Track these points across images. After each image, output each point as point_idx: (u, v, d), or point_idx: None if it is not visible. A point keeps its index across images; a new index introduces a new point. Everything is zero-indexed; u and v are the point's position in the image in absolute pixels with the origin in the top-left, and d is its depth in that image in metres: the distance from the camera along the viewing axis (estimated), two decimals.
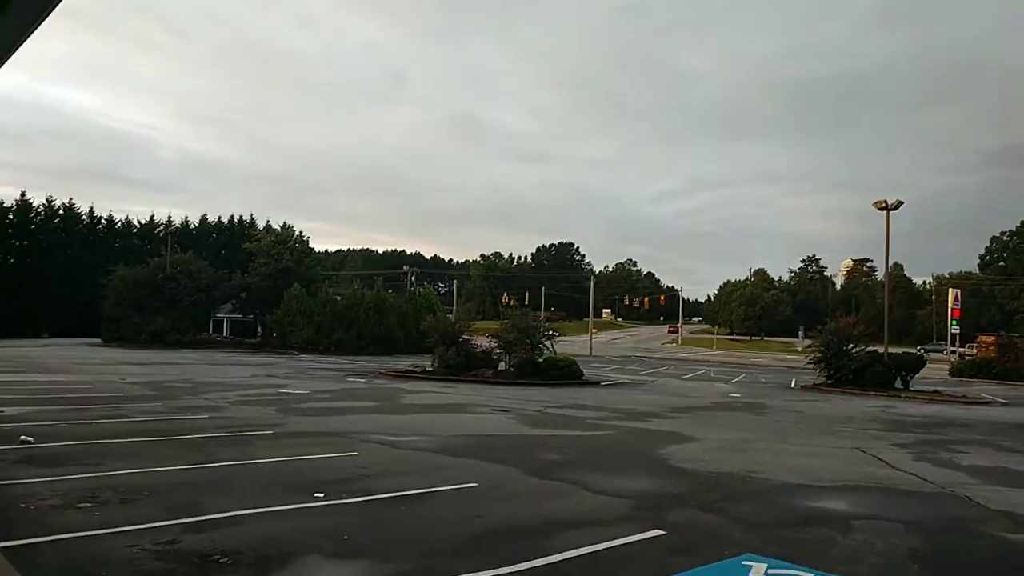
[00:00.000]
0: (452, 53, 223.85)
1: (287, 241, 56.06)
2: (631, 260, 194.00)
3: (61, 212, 70.51)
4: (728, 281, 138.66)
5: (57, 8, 5.39)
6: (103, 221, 73.82)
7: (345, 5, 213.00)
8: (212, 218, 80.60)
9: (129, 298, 51.99)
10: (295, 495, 8.28)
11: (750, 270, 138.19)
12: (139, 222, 76.24)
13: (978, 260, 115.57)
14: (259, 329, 57.81)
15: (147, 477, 8.95)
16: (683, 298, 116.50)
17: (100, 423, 13.64)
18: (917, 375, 31.06)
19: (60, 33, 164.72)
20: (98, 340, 53.48)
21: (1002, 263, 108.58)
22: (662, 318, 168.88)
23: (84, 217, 72.30)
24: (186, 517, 7.13)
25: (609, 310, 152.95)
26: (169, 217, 78.69)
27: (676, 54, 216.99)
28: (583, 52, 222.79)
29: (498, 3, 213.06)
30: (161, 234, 72.01)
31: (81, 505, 7.49)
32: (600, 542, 6.78)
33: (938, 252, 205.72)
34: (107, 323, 53.09)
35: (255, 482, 9.01)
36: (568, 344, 49.75)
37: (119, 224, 74.84)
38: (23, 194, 68.99)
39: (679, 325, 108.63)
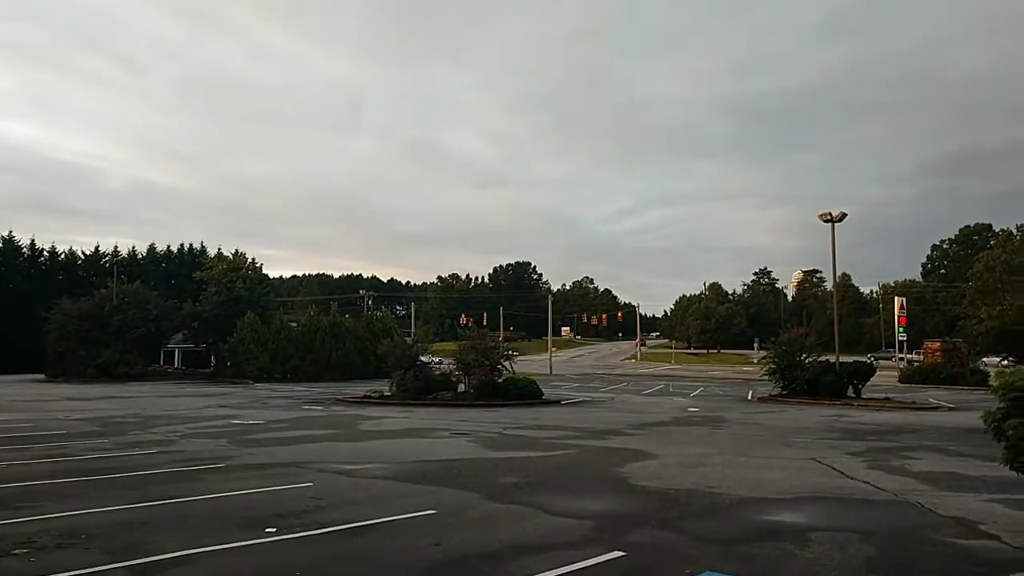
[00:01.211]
0: (409, 80, 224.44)
1: (239, 269, 54.97)
2: (588, 278, 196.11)
3: (0, 245, 68.14)
4: (684, 296, 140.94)
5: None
6: (45, 253, 71.54)
7: (300, 34, 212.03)
8: (161, 247, 78.80)
9: (74, 331, 50.31)
10: (246, 530, 8.00)
11: (704, 284, 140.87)
12: (84, 253, 74.06)
13: (920, 268, 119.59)
14: (212, 359, 56.45)
15: (89, 518, 8.56)
16: (640, 314, 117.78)
17: (40, 463, 13.06)
18: (868, 382, 31.79)
19: (5, 66, 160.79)
20: (42, 376, 51.61)
21: (943, 271, 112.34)
22: (620, 334, 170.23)
23: (25, 250, 69.98)
24: (129, 559, 6.82)
25: (568, 328, 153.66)
26: (115, 247, 76.31)
27: (631, 74, 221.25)
28: (538, 76, 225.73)
29: (453, 29, 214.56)
30: (107, 265, 69.98)
31: (16, 551, 7.11)
32: (560, 566, 6.68)
33: (883, 261, 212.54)
34: (51, 358, 51.29)
35: (204, 519, 8.69)
36: (528, 363, 49.71)
37: (62, 256, 72.58)
38: None
39: (639, 340, 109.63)
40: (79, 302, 52.15)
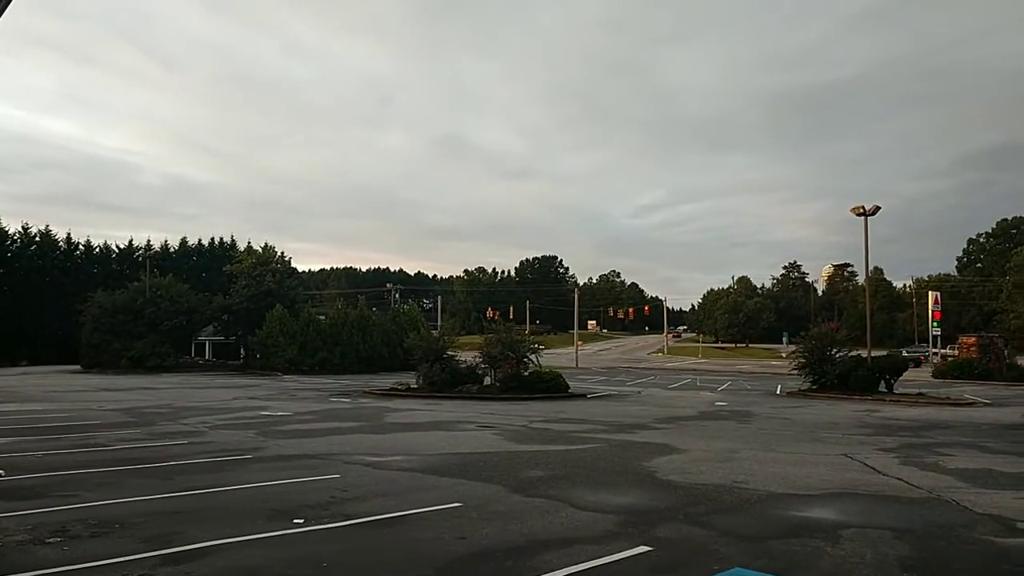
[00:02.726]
0: (439, 74, 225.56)
1: (269, 262, 55.62)
2: (615, 271, 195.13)
3: (37, 239, 69.63)
4: (712, 290, 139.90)
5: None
6: (81, 247, 73.00)
7: (332, 30, 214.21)
8: (192, 241, 79.96)
9: (108, 324, 51.31)
10: (274, 521, 8.07)
11: (733, 278, 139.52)
12: (118, 247, 75.45)
13: (956, 262, 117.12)
14: (242, 351, 57.22)
15: (121, 508, 8.71)
16: (667, 308, 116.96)
17: (74, 453, 13.32)
18: (901, 377, 31.22)
19: (43, 64, 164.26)
20: (77, 367, 52.74)
21: (979, 264, 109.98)
22: (647, 328, 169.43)
23: (61, 244, 71.49)
24: (160, 549, 6.91)
25: (594, 322, 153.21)
26: (148, 241, 77.60)
27: (661, 66, 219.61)
28: (569, 68, 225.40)
29: (484, 22, 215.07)
30: (140, 259, 71.27)
31: (50, 540, 7.24)
32: (586, 561, 6.64)
33: (917, 255, 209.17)
34: (86, 349, 52.39)
35: (233, 509, 8.79)
36: (554, 357, 49.68)
37: (97, 250, 74.03)
38: None
39: (672, 332, 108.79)
40: (113, 295, 53.16)
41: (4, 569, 6.24)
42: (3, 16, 5.52)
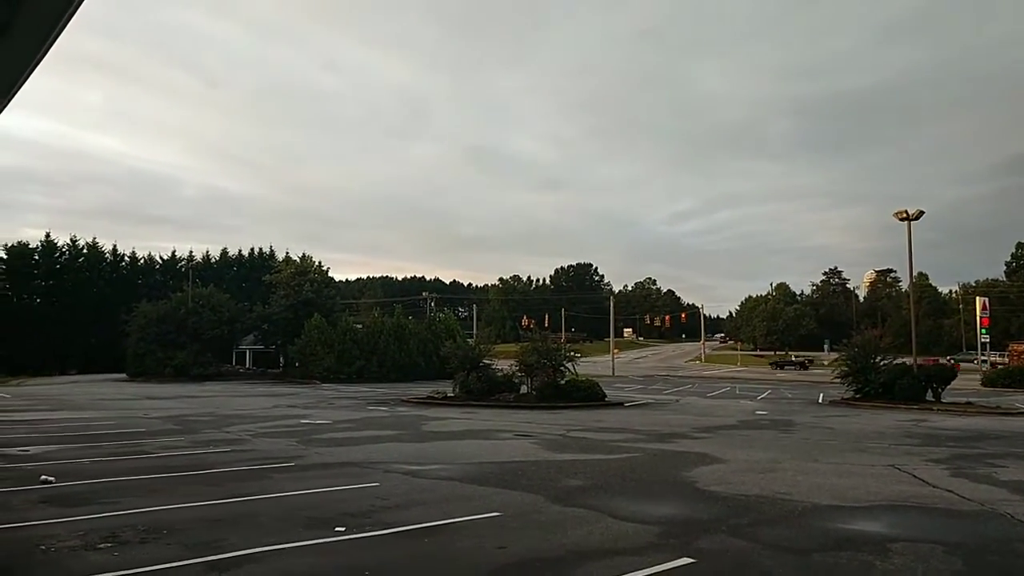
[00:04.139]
0: (470, 85, 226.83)
1: (307, 272, 56.46)
2: (650, 279, 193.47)
3: (85, 251, 71.76)
4: (749, 297, 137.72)
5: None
6: (126, 259, 75.10)
7: (367, 43, 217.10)
8: (232, 252, 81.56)
9: (152, 333, 52.57)
10: (316, 529, 8.15)
11: (771, 285, 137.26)
12: (161, 259, 77.41)
13: (1004, 267, 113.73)
14: (281, 360, 58.07)
15: (168, 514, 8.87)
16: (704, 315, 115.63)
17: (122, 460, 13.63)
18: (948, 386, 30.37)
19: (91, 82, 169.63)
20: (123, 375, 54.06)
21: None
22: (683, 336, 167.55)
23: (107, 255, 73.56)
24: (206, 556, 7.03)
25: (630, 329, 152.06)
26: (190, 252, 79.45)
27: (693, 74, 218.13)
28: (600, 76, 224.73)
29: (515, 32, 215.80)
30: (183, 269, 73.00)
31: (101, 546, 7.41)
32: (628, 572, 6.57)
33: (963, 260, 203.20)
34: (132, 358, 53.70)
35: (276, 517, 8.89)
36: (590, 365, 49.43)
37: (141, 261, 76.02)
38: (47, 235, 70.56)
39: (704, 341, 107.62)
40: (157, 305, 54.49)
41: (58, 575, 6.39)
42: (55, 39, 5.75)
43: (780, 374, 68.58)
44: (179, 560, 6.85)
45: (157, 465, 12.95)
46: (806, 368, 74.48)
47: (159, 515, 8.82)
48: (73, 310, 65.80)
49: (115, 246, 74.45)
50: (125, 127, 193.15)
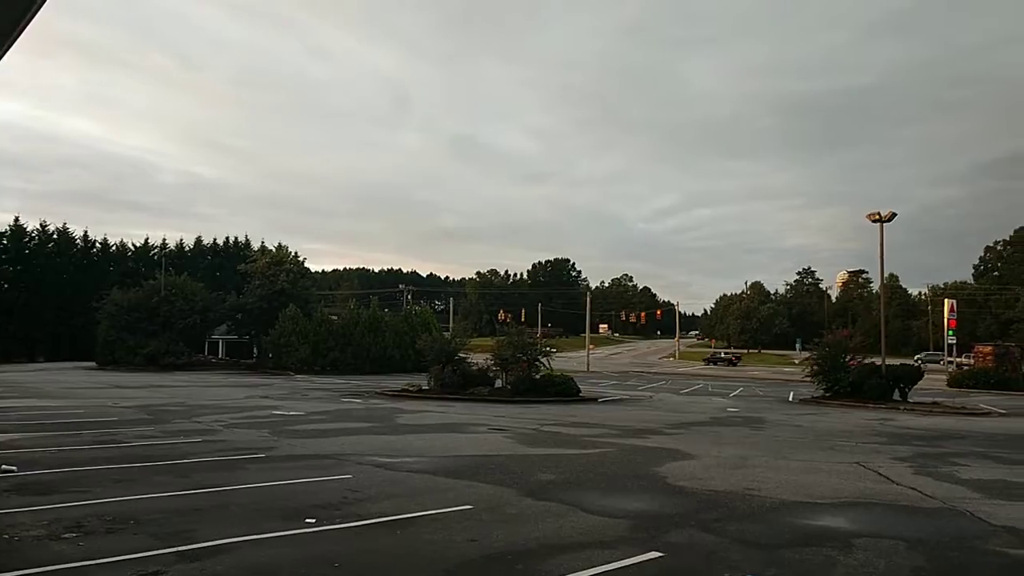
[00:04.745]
0: (455, 76, 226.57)
1: (282, 262, 55.91)
2: (627, 275, 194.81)
3: (55, 237, 70.36)
4: (724, 295, 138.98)
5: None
6: (97, 245, 73.71)
7: (351, 33, 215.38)
8: (207, 240, 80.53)
9: (123, 321, 51.78)
10: (287, 521, 8.13)
11: (746, 283, 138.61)
12: (134, 245, 76.16)
13: (972, 270, 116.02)
14: (255, 350, 57.55)
15: (136, 504, 8.79)
16: (679, 312, 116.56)
17: (90, 449, 13.46)
18: (915, 386, 30.95)
19: (65, 65, 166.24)
20: (93, 364, 53.23)
21: (996, 273, 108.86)
22: (659, 332, 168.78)
23: (78, 241, 72.18)
24: (175, 546, 6.98)
25: (606, 325, 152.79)
26: (164, 240, 78.24)
27: (678, 71, 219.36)
28: (586, 73, 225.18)
29: (500, 25, 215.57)
30: (156, 257, 71.93)
31: (66, 535, 7.33)
32: (597, 565, 6.64)
33: (933, 263, 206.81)
34: (102, 347, 52.87)
35: (247, 508, 8.85)
36: (565, 360, 49.60)
37: (113, 248, 74.73)
38: (16, 219, 69.07)
39: (678, 339, 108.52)
40: (128, 293, 53.65)
41: (21, 564, 6.32)
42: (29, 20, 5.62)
43: (753, 372, 69.38)
44: (147, 550, 6.80)
45: (126, 455, 12.81)
46: (734, 364, 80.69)
47: (127, 505, 8.74)
48: (42, 296, 64.54)
49: (86, 232, 73.12)
50: (101, 111, 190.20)
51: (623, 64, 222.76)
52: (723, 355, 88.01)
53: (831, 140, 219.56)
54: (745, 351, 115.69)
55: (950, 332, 58.62)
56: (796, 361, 70.55)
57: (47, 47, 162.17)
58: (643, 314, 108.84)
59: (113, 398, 25.68)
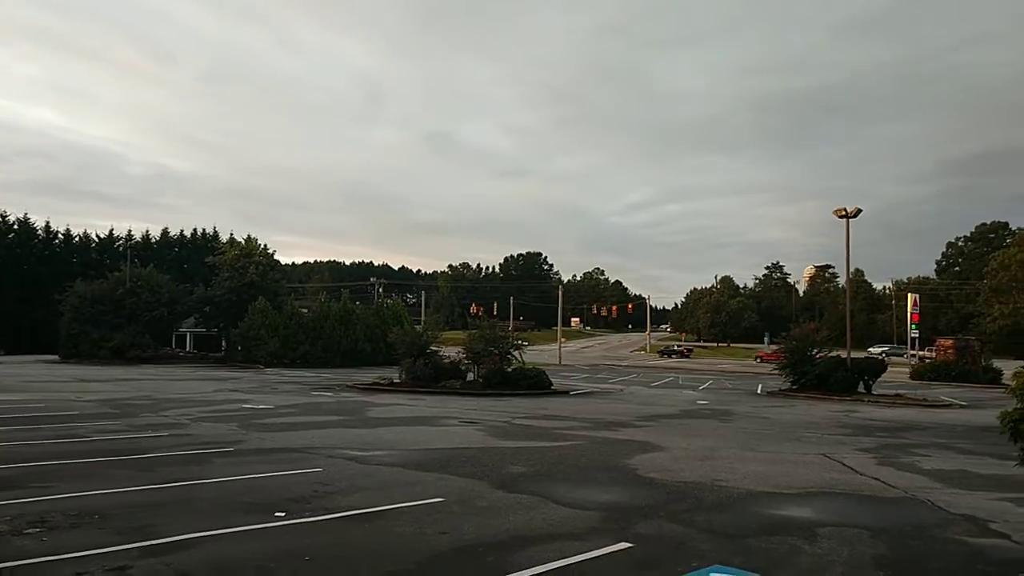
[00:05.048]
0: (430, 72, 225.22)
1: (251, 254, 55.15)
2: (599, 269, 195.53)
3: (16, 228, 68.64)
4: (695, 289, 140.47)
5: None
6: (60, 236, 72.04)
7: (325, 26, 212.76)
8: (174, 232, 79.17)
9: (87, 314, 50.73)
10: (256, 515, 8.05)
11: (716, 277, 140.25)
12: (97, 236, 74.57)
13: (935, 265, 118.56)
14: (223, 343, 56.79)
15: (100, 499, 8.64)
16: (650, 306, 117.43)
17: (52, 443, 13.18)
18: (879, 379, 31.59)
19: (28, 53, 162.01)
20: (55, 357, 52.10)
21: (957, 268, 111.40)
22: (630, 326, 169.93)
23: (40, 232, 70.49)
24: (140, 541, 6.88)
25: (577, 319, 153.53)
26: (129, 231, 76.93)
27: (652, 71, 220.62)
28: (560, 69, 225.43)
29: (476, 21, 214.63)
30: (121, 249, 70.50)
31: (29, 531, 7.18)
32: (568, 556, 6.69)
33: (898, 258, 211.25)
34: (64, 339, 51.72)
35: (214, 502, 8.75)
36: (537, 353, 49.77)
37: (77, 239, 73.09)
38: None
39: (649, 332, 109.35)
40: (93, 284, 52.58)
41: None
42: None
43: (723, 365, 70.23)
44: (112, 545, 6.69)
45: (91, 449, 12.58)
46: (687, 356, 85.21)
47: (92, 500, 8.59)
48: (1, 288, 63.00)
49: (48, 223, 71.40)
50: (66, 101, 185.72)
51: (599, 62, 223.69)
52: (676, 348, 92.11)
53: (803, 137, 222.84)
54: (715, 344, 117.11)
55: (913, 326, 59.99)
56: (755, 360, 71.89)
57: (5, 35, 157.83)
58: (615, 308, 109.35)
59: (77, 392, 25.17)
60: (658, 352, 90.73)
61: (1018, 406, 7.00)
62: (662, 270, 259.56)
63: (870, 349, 69.83)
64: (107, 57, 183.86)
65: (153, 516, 7.91)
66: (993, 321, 63.67)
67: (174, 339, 61.01)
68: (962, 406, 28.37)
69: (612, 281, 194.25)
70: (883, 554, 7.10)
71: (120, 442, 13.61)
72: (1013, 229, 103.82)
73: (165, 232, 78.49)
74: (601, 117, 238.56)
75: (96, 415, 18.12)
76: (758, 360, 72.20)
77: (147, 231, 78.78)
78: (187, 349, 61.10)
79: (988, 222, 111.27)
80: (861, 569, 6.60)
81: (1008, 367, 11.27)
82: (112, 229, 76.23)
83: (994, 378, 41.48)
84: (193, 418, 17.93)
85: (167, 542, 6.88)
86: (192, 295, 55.08)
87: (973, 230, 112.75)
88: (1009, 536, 7.95)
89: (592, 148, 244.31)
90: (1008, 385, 7.40)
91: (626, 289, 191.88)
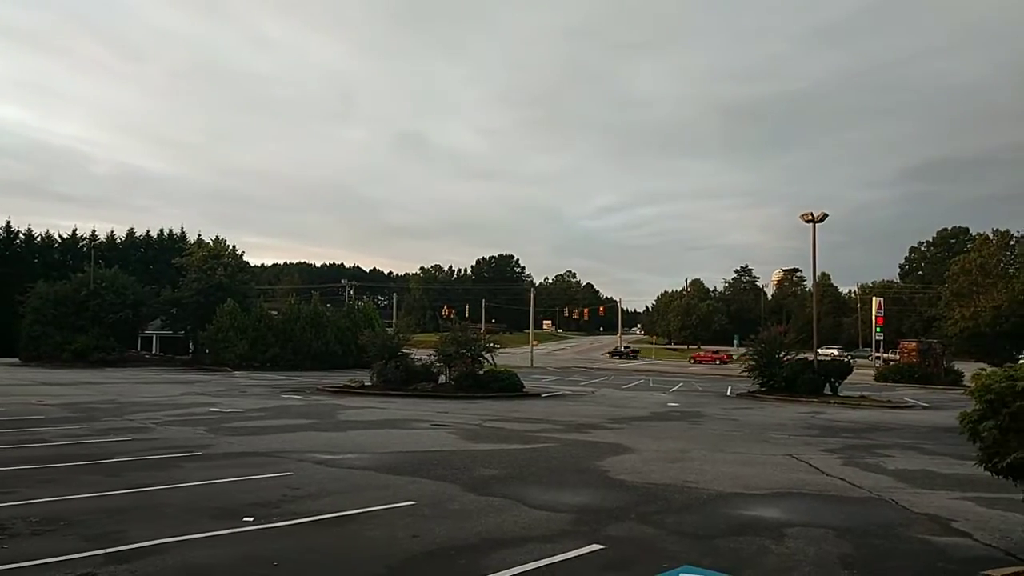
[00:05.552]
0: (403, 73, 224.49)
1: (220, 256, 54.40)
2: (571, 272, 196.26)
3: None
4: (666, 292, 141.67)
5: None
6: (21, 236, 70.28)
7: (296, 24, 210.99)
8: (140, 232, 77.71)
9: (49, 315, 49.59)
10: (224, 520, 7.95)
11: (686, 281, 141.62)
12: (60, 237, 72.83)
13: (899, 270, 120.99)
14: (191, 346, 55.93)
15: (64, 505, 8.47)
16: (622, 309, 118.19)
17: (14, 448, 12.88)
18: (845, 381, 32.16)
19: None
20: (16, 360, 50.86)
21: (920, 272, 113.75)
22: (601, 329, 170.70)
23: (0, 232, 68.78)
24: (106, 547, 6.75)
25: (549, 322, 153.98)
26: (93, 231, 75.09)
27: (623, 75, 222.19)
28: (532, 71, 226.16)
29: (449, 23, 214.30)
30: (85, 249, 68.98)
31: None
32: (539, 559, 6.71)
33: (864, 262, 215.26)
34: (26, 342, 50.48)
35: (181, 507, 8.62)
36: (509, 356, 49.76)
37: (39, 239, 71.34)
38: None
39: (621, 334, 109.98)
40: (55, 286, 51.42)
41: None
42: None
43: (693, 368, 70.91)
44: (76, 552, 6.56)
45: (53, 454, 12.31)
46: (634, 357, 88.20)
47: (55, 506, 8.41)
48: None
49: (8, 222, 69.65)
50: (31, 97, 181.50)
51: (570, 64, 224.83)
52: (623, 349, 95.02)
53: (771, 143, 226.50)
54: (685, 347, 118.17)
55: (878, 329, 61.12)
56: (734, 357, 73.08)
57: None
58: (586, 310, 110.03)
59: (39, 395, 24.61)
60: (607, 353, 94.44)
61: (977, 407, 7.16)
62: (634, 273, 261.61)
63: (819, 351, 71.13)
64: (73, 53, 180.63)
65: (118, 522, 7.77)
66: (954, 324, 65.06)
67: (140, 341, 59.95)
68: (924, 407, 29.00)
69: (584, 284, 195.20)
70: (848, 553, 7.24)
71: (84, 447, 13.34)
72: (973, 234, 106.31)
73: (131, 233, 77.03)
74: (573, 120, 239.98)
75: (60, 419, 17.73)
76: (692, 361, 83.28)
77: (112, 231, 77.22)
78: (153, 352, 60.11)
79: (949, 227, 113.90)
80: (827, 568, 6.72)
81: (968, 369, 11.53)
82: (76, 229, 74.59)
83: (955, 380, 42.47)
84: (160, 422, 17.64)
85: (133, 548, 6.76)
86: (159, 297, 54.13)
87: (935, 235, 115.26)
88: (971, 535, 8.15)
89: (564, 151, 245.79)
90: (968, 387, 7.57)
91: (598, 292, 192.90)
